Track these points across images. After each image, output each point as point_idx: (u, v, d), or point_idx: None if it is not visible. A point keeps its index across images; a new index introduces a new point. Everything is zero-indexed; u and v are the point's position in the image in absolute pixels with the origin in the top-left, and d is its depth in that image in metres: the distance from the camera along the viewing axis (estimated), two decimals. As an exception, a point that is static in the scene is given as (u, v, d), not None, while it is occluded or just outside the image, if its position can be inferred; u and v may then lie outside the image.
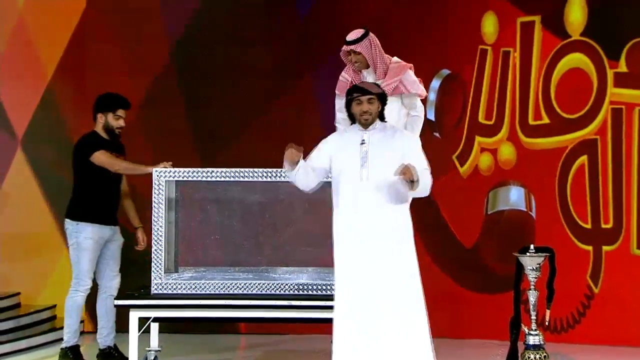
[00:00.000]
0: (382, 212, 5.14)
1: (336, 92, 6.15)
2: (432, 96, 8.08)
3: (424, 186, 5.15)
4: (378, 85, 5.40)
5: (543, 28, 7.77)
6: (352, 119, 5.34)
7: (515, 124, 7.85)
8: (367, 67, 5.97)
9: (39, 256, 8.45)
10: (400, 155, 5.16)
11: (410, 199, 5.29)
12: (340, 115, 6.09)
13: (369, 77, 5.98)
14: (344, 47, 5.97)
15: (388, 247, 5.12)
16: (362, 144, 5.22)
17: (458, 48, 8.06)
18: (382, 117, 5.33)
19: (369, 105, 5.25)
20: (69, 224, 6.49)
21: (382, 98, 5.32)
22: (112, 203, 6.57)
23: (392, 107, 5.91)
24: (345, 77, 6.09)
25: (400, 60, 6.05)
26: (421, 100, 6.19)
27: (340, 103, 6.15)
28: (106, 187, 6.50)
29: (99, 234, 6.48)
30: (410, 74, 6.00)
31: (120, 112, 6.56)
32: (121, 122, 6.57)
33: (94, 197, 6.47)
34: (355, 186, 5.17)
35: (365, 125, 5.28)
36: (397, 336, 5.04)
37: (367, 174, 5.15)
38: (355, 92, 5.29)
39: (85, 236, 6.43)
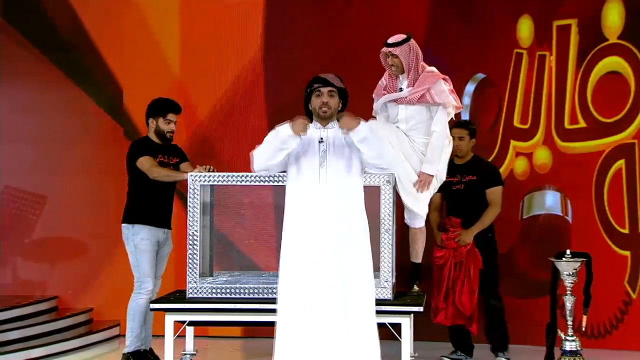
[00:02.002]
0: (340, 215, 5.02)
1: (373, 95, 6.16)
2: (467, 100, 8.06)
3: (376, 139, 5.08)
4: (341, 80, 5.24)
5: (579, 31, 7.71)
6: (310, 116, 5.18)
7: (551, 128, 7.79)
8: (404, 72, 5.96)
9: (76, 260, 8.53)
10: (357, 153, 5.08)
11: (362, 204, 5.16)
12: (379, 116, 6.11)
13: (404, 82, 5.98)
14: (383, 49, 5.97)
15: (344, 250, 4.99)
16: (320, 142, 5.09)
17: (493, 52, 8.02)
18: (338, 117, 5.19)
19: (328, 97, 5.11)
20: (125, 228, 6.53)
21: (343, 95, 5.17)
22: (165, 205, 6.60)
23: (420, 118, 5.91)
24: (382, 80, 6.09)
25: (435, 70, 6.01)
26: (458, 110, 6.13)
27: (375, 106, 6.17)
28: (159, 190, 6.51)
29: (155, 236, 6.52)
30: (441, 84, 5.93)
31: (171, 117, 6.60)
32: (172, 126, 6.61)
33: (147, 199, 6.50)
34: (313, 187, 5.04)
35: (324, 119, 5.12)
36: (343, 342, 4.91)
37: (326, 176, 5.04)
38: (316, 82, 5.13)
39: (142, 237, 6.47)
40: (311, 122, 5.19)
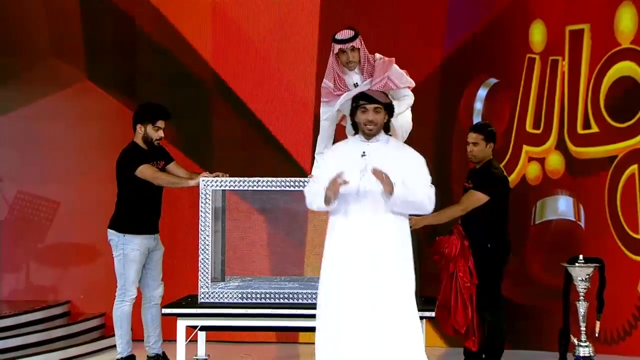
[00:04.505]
0: (378, 227, 4.95)
1: (322, 99, 6.06)
2: (479, 105, 8.05)
3: (409, 203, 4.94)
4: (386, 95, 5.21)
5: (592, 36, 7.68)
6: (355, 128, 5.13)
7: (564, 133, 7.77)
8: (358, 65, 5.92)
9: (88, 265, 8.55)
10: (401, 172, 4.95)
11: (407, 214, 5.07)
12: (326, 123, 6.06)
13: (355, 77, 5.93)
14: (342, 46, 5.82)
15: (382, 261, 4.93)
16: (362, 156, 5.01)
17: (506, 56, 8.01)
18: (387, 130, 5.13)
19: (374, 114, 5.03)
20: (114, 235, 6.51)
21: (389, 109, 5.10)
22: (155, 212, 6.61)
23: None
24: (328, 84, 5.97)
25: (382, 56, 5.99)
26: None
27: (326, 110, 6.05)
28: (150, 198, 6.53)
29: (145, 245, 6.51)
30: (396, 67, 5.93)
31: (160, 124, 6.52)
32: (160, 133, 6.54)
33: (139, 208, 6.50)
34: (353, 199, 4.96)
35: (369, 135, 5.06)
36: (390, 350, 4.87)
37: (365, 188, 4.95)
38: (362, 99, 5.05)
39: (132, 248, 6.46)
40: (356, 133, 5.15)
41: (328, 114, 6.01)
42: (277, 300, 5.92)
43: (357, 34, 5.86)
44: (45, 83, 8.68)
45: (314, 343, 7.79)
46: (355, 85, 5.87)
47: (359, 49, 5.82)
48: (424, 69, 7.90)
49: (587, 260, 6.46)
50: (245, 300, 5.95)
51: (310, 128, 8.21)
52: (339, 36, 5.86)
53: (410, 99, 5.95)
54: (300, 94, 8.30)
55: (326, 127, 6.06)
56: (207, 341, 6.45)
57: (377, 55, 5.94)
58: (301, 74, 8.31)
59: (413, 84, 5.96)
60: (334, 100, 5.92)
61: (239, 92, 8.39)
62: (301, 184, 5.93)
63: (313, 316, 5.81)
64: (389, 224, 5.00)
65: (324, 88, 5.98)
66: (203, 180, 5.99)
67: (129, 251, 6.45)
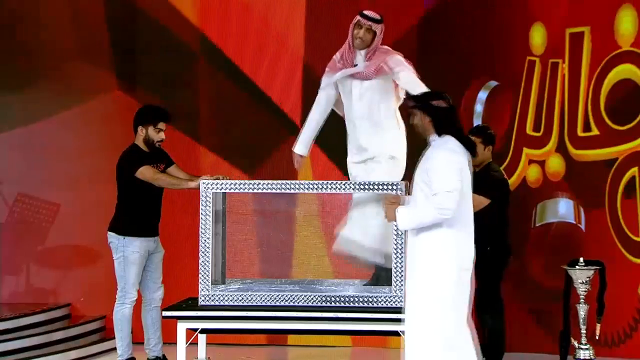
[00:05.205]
0: (416, 239, 5.03)
1: (327, 69, 6.17)
2: (480, 108, 8.06)
3: (422, 223, 4.98)
4: (417, 99, 5.22)
5: (592, 39, 7.69)
6: None
7: (564, 135, 7.77)
8: (366, 47, 6.00)
9: (89, 267, 8.56)
10: (424, 176, 5.01)
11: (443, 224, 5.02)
12: (322, 96, 6.14)
13: (359, 58, 6.01)
14: (363, 20, 5.97)
15: (415, 267, 5.02)
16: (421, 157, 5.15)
17: (506, 59, 8.01)
18: (440, 130, 5.04)
19: (412, 119, 5.14)
20: (114, 237, 6.52)
21: (428, 110, 5.05)
22: (155, 215, 6.62)
23: (373, 96, 5.93)
24: (337, 54, 6.12)
25: (390, 49, 6.07)
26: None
27: (324, 79, 6.15)
28: (150, 200, 6.53)
29: (145, 247, 6.52)
30: (398, 57, 5.99)
31: (161, 125, 6.55)
32: (162, 135, 6.56)
33: (139, 210, 6.51)
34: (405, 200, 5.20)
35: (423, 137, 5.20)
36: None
37: (411, 190, 5.12)
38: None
39: (133, 250, 6.47)
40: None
41: (324, 84, 6.13)
42: (277, 303, 5.92)
43: (382, 20, 5.96)
44: (52, 93, 8.68)
45: (303, 345, 7.93)
46: (355, 65, 5.97)
47: (375, 32, 5.93)
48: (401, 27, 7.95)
49: (587, 263, 6.46)
50: (245, 303, 5.95)
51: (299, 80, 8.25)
52: (365, 11, 6.01)
53: (406, 69, 5.95)
54: (289, 43, 8.32)
55: (319, 102, 6.12)
56: (207, 344, 6.44)
57: (385, 47, 6.03)
58: (290, 24, 8.34)
59: (411, 69, 5.98)
60: (333, 72, 6.06)
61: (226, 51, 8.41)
62: (301, 186, 5.94)
63: (313, 319, 5.85)
64: (424, 231, 5.03)
65: (334, 58, 6.13)
66: (203, 183, 5.99)
67: (129, 253, 6.46)
